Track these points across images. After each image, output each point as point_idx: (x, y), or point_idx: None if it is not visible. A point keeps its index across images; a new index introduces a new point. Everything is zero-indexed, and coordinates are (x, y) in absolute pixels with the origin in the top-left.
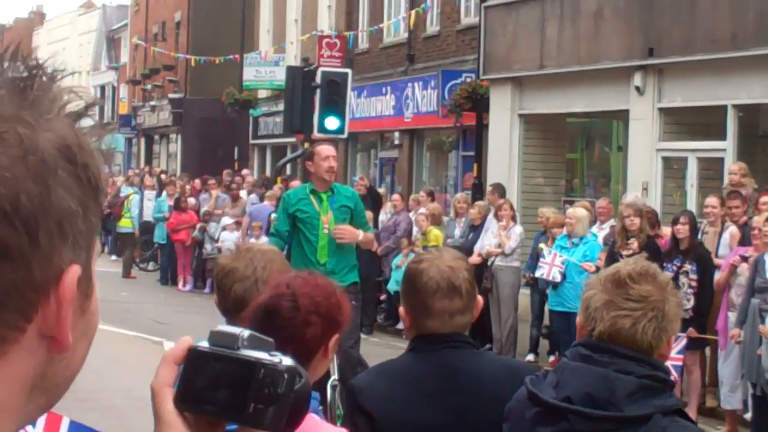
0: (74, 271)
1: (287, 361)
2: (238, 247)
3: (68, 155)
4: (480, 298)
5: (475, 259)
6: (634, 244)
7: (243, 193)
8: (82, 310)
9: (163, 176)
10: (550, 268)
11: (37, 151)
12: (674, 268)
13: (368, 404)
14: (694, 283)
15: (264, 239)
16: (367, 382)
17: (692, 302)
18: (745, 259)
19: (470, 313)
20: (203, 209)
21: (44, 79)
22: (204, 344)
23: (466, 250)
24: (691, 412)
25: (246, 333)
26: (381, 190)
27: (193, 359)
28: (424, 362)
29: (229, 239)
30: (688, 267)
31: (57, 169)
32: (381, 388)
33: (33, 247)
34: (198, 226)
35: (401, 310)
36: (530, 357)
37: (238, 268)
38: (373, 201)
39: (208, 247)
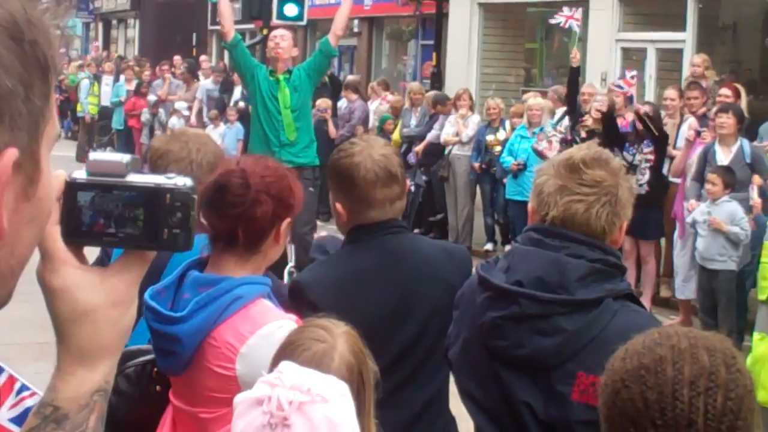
0: (9, 155)
1: (187, 180)
2: (172, 131)
3: (14, 32)
4: (407, 181)
5: (419, 146)
6: (589, 120)
7: (200, 80)
8: (27, 196)
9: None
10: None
11: None
12: (633, 150)
13: (315, 297)
14: (649, 156)
15: (222, 127)
16: (314, 275)
17: (648, 176)
18: (698, 133)
19: (404, 197)
20: (152, 96)
21: None
22: (81, 175)
23: (422, 138)
24: (645, 301)
25: (128, 157)
26: (353, 78)
27: (72, 192)
28: (366, 251)
29: (177, 125)
30: (643, 145)
31: None
32: (327, 280)
33: None
34: (144, 110)
35: (338, 205)
36: (488, 246)
37: (172, 150)
38: (333, 88)
39: (158, 133)
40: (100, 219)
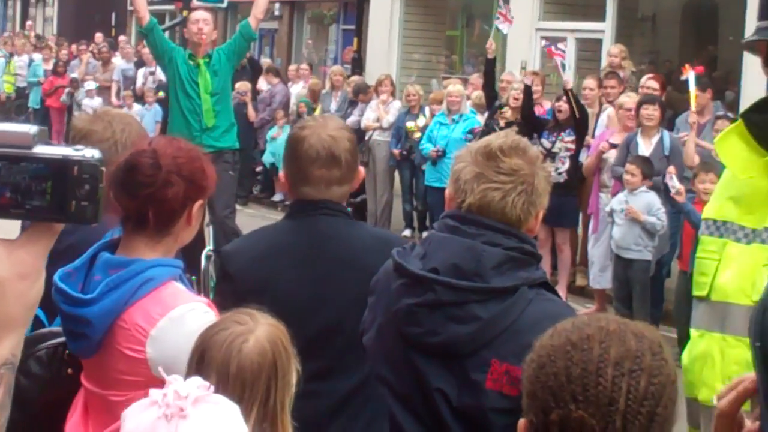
0: None
1: (95, 152)
2: (95, 111)
3: None
4: (362, 170)
5: None
6: (508, 112)
7: (117, 60)
8: None
9: (48, 41)
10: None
11: None
12: (553, 138)
13: (232, 268)
14: (570, 145)
15: (136, 108)
16: (236, 246)
17: (567, 165)
18: (613, 145)
19: (348, 184)
20: (73, 75)
21: None
22: None
23: None
24: (561, 289)
25: (35, 128)
26: (265, 62)
27: None
28: (295, 228)
29: (89, 105)
30: (563, 134)
31: None
32: (247, 252)
33: None
34: (66, 90)
35: (281, 173)
36: (407, 232)
37: (96, 131)
38: (253, 71)
39: (76, 113)
40: (7, 191)
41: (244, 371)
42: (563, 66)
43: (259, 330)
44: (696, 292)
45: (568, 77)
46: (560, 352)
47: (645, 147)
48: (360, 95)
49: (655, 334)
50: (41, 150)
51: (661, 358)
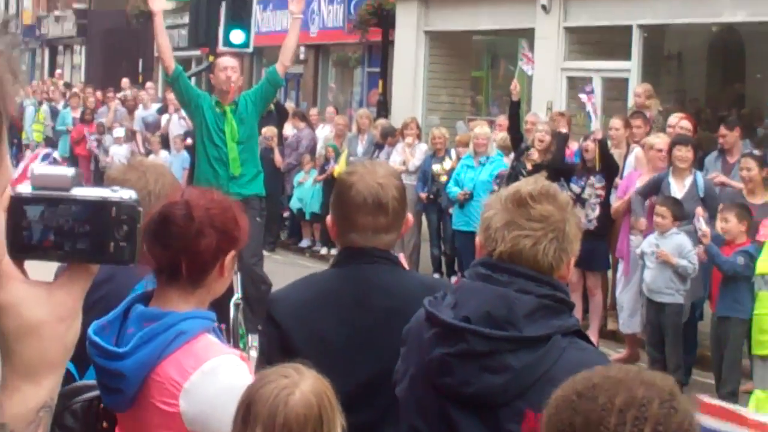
0: None
1: (132, 193)
2: (129, 161)
3: None
4: (410, 217)
5: None
6: (534, 155)
7: (142, 108)
8: None
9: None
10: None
11: None
12: (582, 183)
13: (279, 315)
14: (600, 192)
15: (163, 154)
16: (283, 293)
17: (597, 211)
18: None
19: (396, 232)
20: (99, 120)
21: None
22: (25, 189)
23: None
24: (593, 334)
25: (73, 171)
26: (290, 106)
27: (18, 206)
28: (342, 276)
29: (119, 153)
30: (593, 179)
31: None
32: (294, 299)
33: None
34: (92, 137)
35: (329, 219)
36: (435, 277)
37: (130, 180)
38: (279, 116)
39: (103, 159)
40: (50, 234)
41: (290, 424)
42: (589, 114)
43: (305, 383)
44: (757, 351)
45: (598, 128)
46: (566, 402)
47: (677, 188)
48: (388, 138)
49: (667, 382)
50: (79, 192)
51: (670, 406)
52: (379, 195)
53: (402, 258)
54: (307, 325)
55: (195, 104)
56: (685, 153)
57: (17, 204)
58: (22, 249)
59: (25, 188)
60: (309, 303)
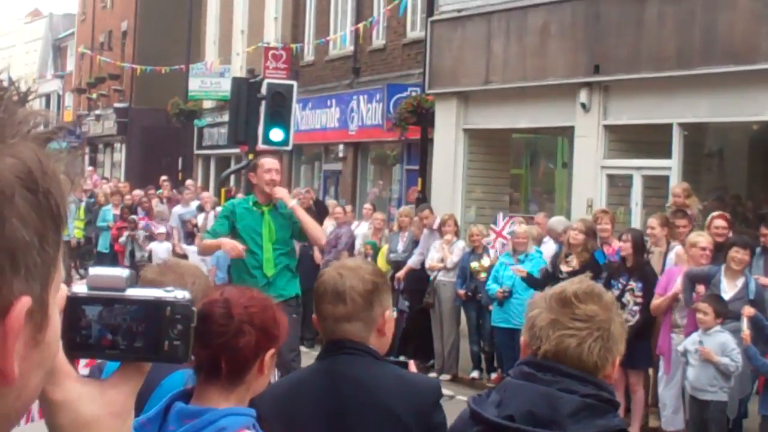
0: (23, 304)
1: (186, 293)
2: (165, 262)
3: (29, 182)
4: (387, 314)
5: (400, 273)
6: (574, 261)
7: (176, 207)
8: (36, 342)
9: (107, 186)
10: (497, 237)
11: None
12: (620, 285)
13: (261, 409)
14: (639, 300)
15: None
16: (268, 388)
17: (637, 317)
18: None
19: (360, 322)
20: (131, 216)
21: (14, 99)
22: (81, 289)
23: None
24: (634, 431)
25: (126, 272)
26: (331, 203)
27: (74, 306)
28: (317, 368)
29: (160, 249)
30: (633, 285)
31: (14, 197)
32: (273, 392)
33: None
34: (126, 234)
35: (314, 316)
36: (474, 374)
37: (167, 282)
38: (320, 213)
39: (138, 254)
40: (108, 333)
41: None
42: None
43: None
44: None
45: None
46: None
47: (728, 288)
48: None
49: None
50: (134, 292)
51: None
52: (337, 284)
53: (411, 365)
54: (284, 416)
55: (232, 227)
56: (742, 255)
57: (75, 304)
58: (79, 348)
59: (81, 288)
60: (285, 394)
